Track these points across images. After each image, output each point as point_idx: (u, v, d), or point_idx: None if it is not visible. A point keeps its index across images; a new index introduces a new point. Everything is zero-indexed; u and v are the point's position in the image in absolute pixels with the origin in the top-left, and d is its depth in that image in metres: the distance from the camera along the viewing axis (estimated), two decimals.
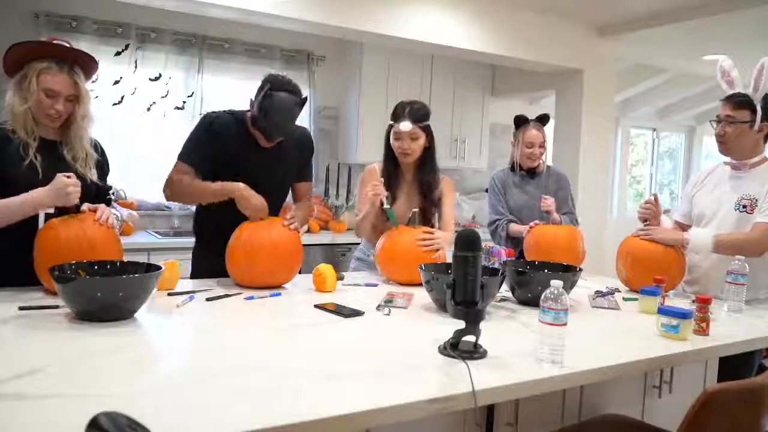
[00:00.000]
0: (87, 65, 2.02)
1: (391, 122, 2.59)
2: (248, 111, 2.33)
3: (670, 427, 1.64)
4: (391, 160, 2.63)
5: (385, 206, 2.46)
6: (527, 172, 3.12)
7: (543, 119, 3.11)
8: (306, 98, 2.38)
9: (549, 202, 2.88)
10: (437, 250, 2.39)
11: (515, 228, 3.01)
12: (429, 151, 2.63)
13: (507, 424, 1.63)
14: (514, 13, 4.32)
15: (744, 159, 2.37)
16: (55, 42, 1.96)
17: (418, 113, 2.55)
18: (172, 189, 2.35)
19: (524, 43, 4.39)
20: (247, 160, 2.33)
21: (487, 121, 5.36)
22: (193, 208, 4.13)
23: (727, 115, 2.34)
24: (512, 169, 3.16)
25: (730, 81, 2.38)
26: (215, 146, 2.31)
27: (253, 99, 2.29)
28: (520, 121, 3.12)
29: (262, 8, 3.42)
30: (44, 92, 1.91)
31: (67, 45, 1.97)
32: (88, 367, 1.28)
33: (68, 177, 1.84)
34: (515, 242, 2.97)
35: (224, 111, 2.41)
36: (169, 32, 4.08)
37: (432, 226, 2.57)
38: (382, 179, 2.53)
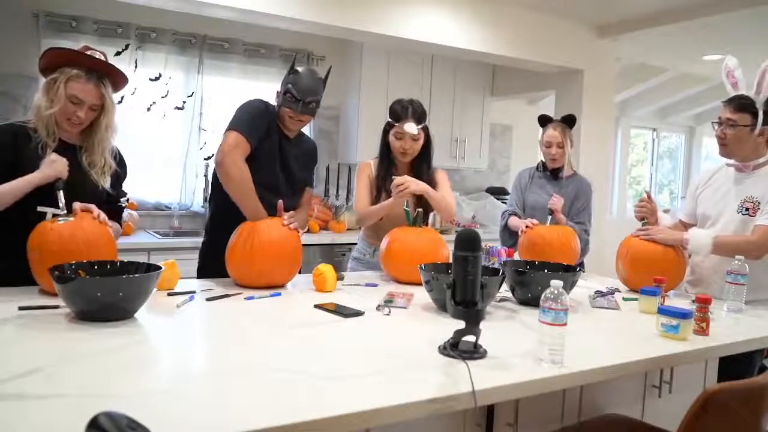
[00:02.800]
0: (116, 78, 2.07)
1: (390, 120, 2.60)
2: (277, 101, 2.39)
3: (670, 427, 1.64)
4: (387, 158, 2.64)
5: (405, 208, 2.47)
6: (551, 173, 3.10)
7: (568, 120, 3.07)
8: (326, 76, 2.46)
9: (555, 201, 2.87)
10: (406, 188, 2.43)
11: (513, 221, 3.03)
12: (427, 149, 2.65)
13: (507, 424, 1.63)
14: (514, 13, 4.33)
15: (745, 161, 2.36)
16: (88, 53, 2.01)
17: (420, 114, 2.57)
18: (225, 163, 2.22)
19: (524, 43, 4.40)
20: (276, 148, 2.38)
21: (487, 121, 5.36)
22: (194, 208, 4.23)
23: (727, 118, 2.32)
24: (538, 167, 3.17)
25: (734, 82, 2.36)
26: (265, 128, 2.33)
27: (280, 89, 2.38)
28: (543, 121, 3.11)
29: (262, 8, 3.42)
30: (69, 98, 1.96)
31: (101, 57, 2.03)
32: (88, 367, 1.28)
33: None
34: (514, 237, 2.97)
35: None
36: (169, 32, 4.08)
37: (427, 224, 2.61)
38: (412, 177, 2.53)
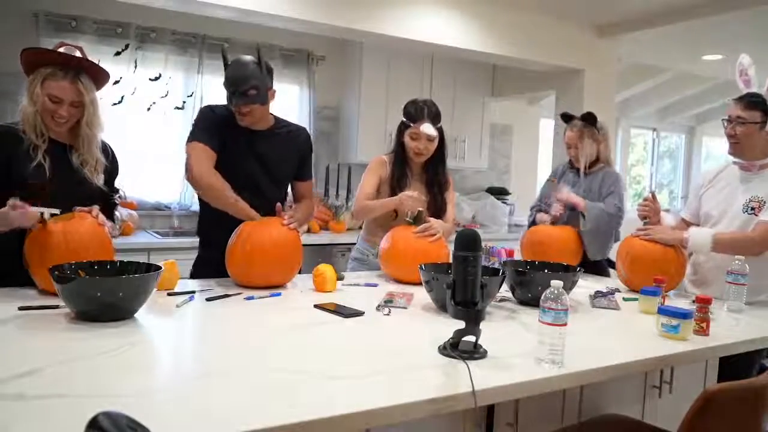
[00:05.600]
0: (95, 73, 2.05)
1: (405, 120, 2.59)
2: None
3: (670, 427, 1.64)
4: (402, 158, 2.63)
5: (407, 219, 2.46)
6: (577, 171, 3.02)
7: (587, 118, 2.95)
8: (268, 65, 2.36)
9: (560, 195, 2.83)
10: (433, 235, 2.40)
11: (540, 217, 3.01)
12: (441, 151, 2.65)
13: (507, 424, 1.63)
14: (514, 13, 4.33)
15: (754, 160, 2.35)
16: (60, 50, 1.99)
17: (436, 114, 2.57)
18: (195, 179, 2.24)
19: (524, 43, 4.40)
20: (237, 143, 2.33)
21: (487, 121, 5.36)
22: (194, 208, 4.23)
23: (737, 116, 2.31)
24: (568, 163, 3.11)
25: (747, 80, 2.34)
26: (217, 126, 2.31)
27: None
28: (564, 120, 3.05)
29: (262, 8, 3.42)
30: (48, 97, 1.94)
31: (76, 53, 2.00)
32: (88, 367, 1.28)
33: (13, 206, 1.78)
34: None
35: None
36: (169, 32, 4.08)
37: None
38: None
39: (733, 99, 2.36)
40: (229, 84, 2.27)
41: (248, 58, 2.32)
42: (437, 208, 2.63)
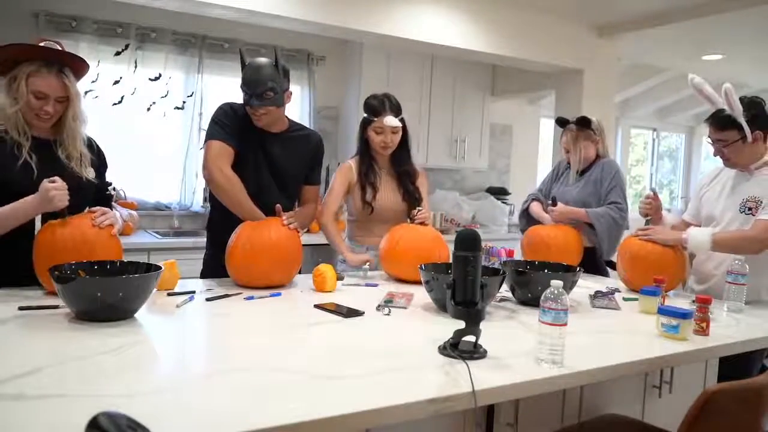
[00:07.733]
0: (77, 66, 2.01)
1: (367, 116, 2.62)
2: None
3: (670, 427, 1.64)
4: (367, 154, 2.66)
5: (361, 269, 2.52)
6: (577, 170, 3.03)
7: (581, 122, 2.97)
8: (285, 67, 2.36)
9: (555, 214, 2.84)
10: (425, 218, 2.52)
11: (534, 208, 3.03)
12: (406, 142, 2.69)
13: (507, 424, 1.63)
14: (514, 13, 4.33)
15: (748, 165, 2.36)
16: (42, 45, 1.95)
17: (397, 107, 2.61)
18: (213, 177, 2.25)
19: (524, 43, 4.40)
20: (251, 144, 2.34)
21: (487, 121, 5.37)
22: (194, 208, 4.23)
23: (716, 139, 2.33)
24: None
25: (707, 97, 2.32)
26: (237, 125, 2.31)
27: None
28: (559, 124, 3.09)
29: (262, 8, 3.43)
30: (33, 94, 1.90)
31: (57, 47, 1.96)
32: (88, 367, 1.28)
33: (53, 181, 1.80)
34: (532, 222, 3.00)
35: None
36: (169, 32, 4.08)
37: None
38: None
39: (705, 121, 2.37)
40: (246, 86, 2.27)
41: (265, 60, 2.33)
42: (413, 199, 2.66)
